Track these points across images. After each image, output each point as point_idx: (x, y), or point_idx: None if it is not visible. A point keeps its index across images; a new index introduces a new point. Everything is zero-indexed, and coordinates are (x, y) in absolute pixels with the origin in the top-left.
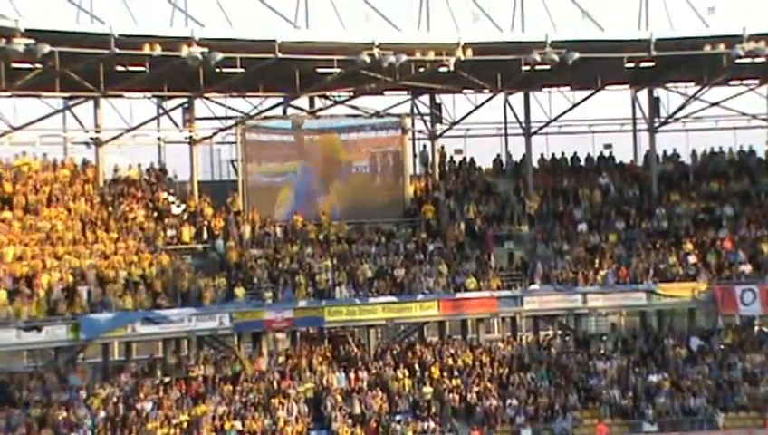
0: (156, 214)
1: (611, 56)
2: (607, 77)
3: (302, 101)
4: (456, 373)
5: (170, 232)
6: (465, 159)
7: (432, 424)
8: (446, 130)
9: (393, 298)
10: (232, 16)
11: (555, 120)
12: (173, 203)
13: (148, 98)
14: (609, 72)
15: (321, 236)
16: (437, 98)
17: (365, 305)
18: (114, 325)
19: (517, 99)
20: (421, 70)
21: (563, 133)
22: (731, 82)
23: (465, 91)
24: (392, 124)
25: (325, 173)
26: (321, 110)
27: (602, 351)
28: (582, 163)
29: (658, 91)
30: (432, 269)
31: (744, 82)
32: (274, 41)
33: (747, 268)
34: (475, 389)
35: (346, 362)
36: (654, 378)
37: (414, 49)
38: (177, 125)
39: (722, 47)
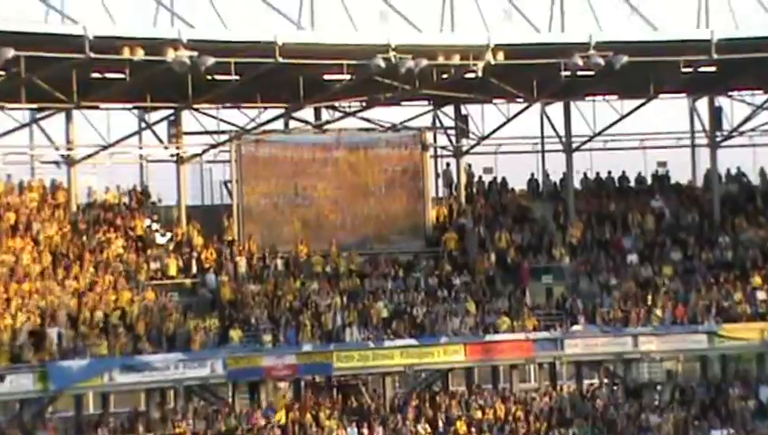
0: (137, 244)
1: (666, 60)
2: (661, 84)
3: (307, 113)
4: (485, 429)
5: (154, 265)
6: (495, 179)
7: None
8: (473, 147)
9: (412, 341)
10: (225, 15)
11: (600, 133)
12: (157, 231)
13: (129, 110)
14: (663, 79)
15: (328, 269)
16: (463, 109)
17: (380, 350)
18: (89, 374)
19: (556, 110)
20: (444, 76)
21: (610, 149)
22: None
23: (495, 100)
24: (411, 139)
25: (333, 196)
26: (328, 123)
27: (656, 402)
28: (632, 184)
29: (721, 101)
30: (458, 307)
31: None
32: (274, 43)
33: None
34: None
35: (358, 415)
36: (717, 434)
37: (436, 52)
38: (161, 141)
39: None
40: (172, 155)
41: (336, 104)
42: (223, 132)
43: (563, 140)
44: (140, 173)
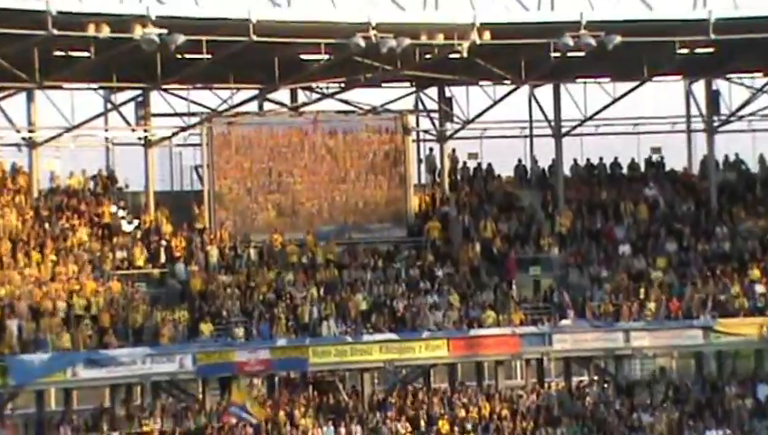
0: (102, 232)
1: (661, 40)
2: (655, 66)
3: (283, 95)
4: (469, 428)
5: (120, 254)
6: (480, 165)
7: None
8: (457, 131)
9: (393, 336)
10: None
11: (591, 118)
12: (123, 219)
13: (94, 90)
14: (657, 60)
15: (304, 260)
16: (447, 91)
17: (358, 344)
18: (51, 369)
19: (545, 92)
20: (428, 57)
21: (601, 134)
22: None
23: (481, 82)
24: (392, 123)
25: (309, 182)
26: (305, 105)
27: (649, 401)
28: (625, 171)
29: (718, 84)
30: (441, 300)
31: None
32: (248, 20)
33: None
34: None
35: (335, 413)
36: (713, 434)
37: (419, 31)
38: (128, 123)
39: None
40: (140, 138)
41: (313, 85)
42: (193, 114)
43: (552, 124)
44: (106, 157)
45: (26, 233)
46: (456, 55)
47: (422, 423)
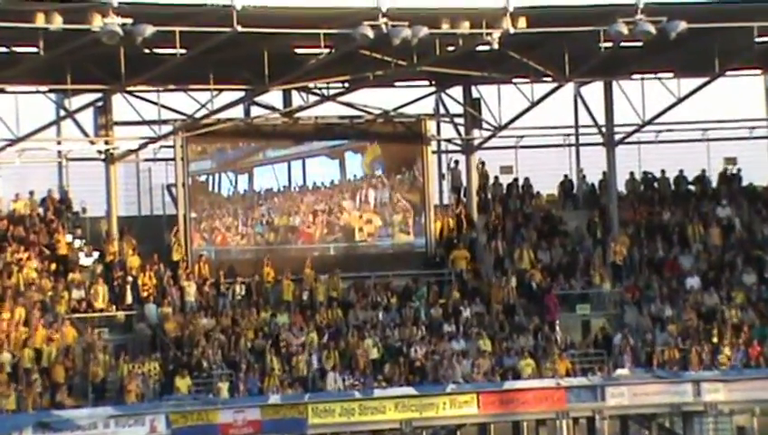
0: (56, 267)
1: (735, 26)
2: (729, 58)
3: (274, 97)
4: None
5: (77, 293)
6: (516, 181)
7: None
8: (487, 139)
9: (411, 390)
10: None
11: (651, 122)
12: (81, 250)
13: (44, 93)
14: (731, 51)
15: (303, 297)
16: (475, 91)
17: (368, 401)
18: None
19: (594, 92)
20: (450, 49)
21: (663, 142)
22: None
23: (515, 81)
24: (408, 130)
25: (308, 203)
26: (301, 109)
27: None
28: (692, 187)
29: None
30: (469, 346)
31: None
32: (231, 6)
33: None
34: None
35: None
36: None
37: (439, 18)
38: (86, 134)
39: None
40: (100, 152)
41: (311, 86)
42: (165, 123)
43: (604, 130)
44: (59, 175)
45: None
46: (485, 48)
47: None
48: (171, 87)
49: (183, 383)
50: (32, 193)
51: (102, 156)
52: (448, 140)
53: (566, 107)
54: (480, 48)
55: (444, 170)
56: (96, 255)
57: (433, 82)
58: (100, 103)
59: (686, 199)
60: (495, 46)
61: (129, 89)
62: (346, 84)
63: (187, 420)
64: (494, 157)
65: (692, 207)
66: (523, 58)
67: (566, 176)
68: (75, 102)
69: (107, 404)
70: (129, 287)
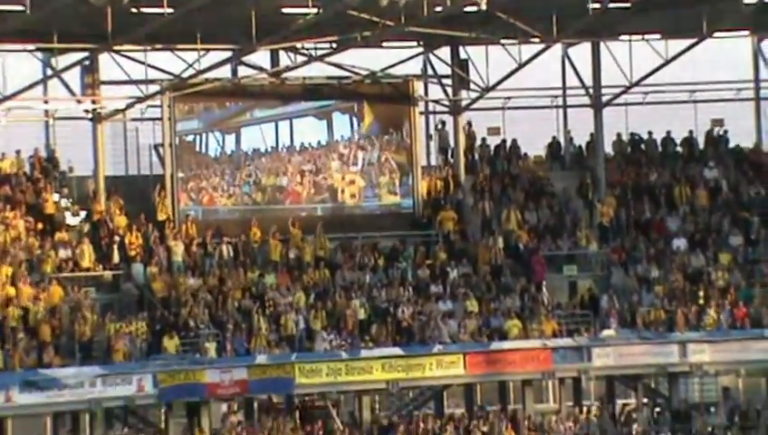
0: (42, 226)
1: None
2: (716, 19)
3: (261, 57)
4: None
5: (64, 253)
6: (503, 142)
7: None
8: (475, 100)
9: (397, 350)
10: None
11: (638, 83)
12: (68, 209)
13: (30, 52)
14: (719, 13)
15: (290, 257)
16: (462, 52)
17: (355, 362)
18: None
19: (581, 53)
20: (438, 10)
21: (650, 104)
22: None
23: (503, 41)
24: (395, 91)
25: (295, 164)
26: (288, 69)
27: (710, 428)
28: (679, 149)
29: None
30: (455, 307)
31: None
32: None
33: None
34: None
35: None
36: None
37: None
38: (73, 93)
39: None
40: (87, 111)
41: (298, 46)
42: (152, 82)
43: (591, 92)
44: (46, 134)
45: None
46: (473, 8)
47: None
48: (158, 46)
49: (170, 343)
50: (18, 152)
51: (89, 115)
52: (436, 101)
53: (554, 68)
54: (468, 9)
55: (431, 131)
56: (83, 214)
57: (421, 43)
58: (86, 63)
59: (673, 161)
60: (483, 7)
61: (116, 48)
62: (334, 45)
63: (173, 380)
64: (482, 118)
65: (679, 168)
66: (510, 19)
67: (554, 137)
68: (62, 61)
69: (94, 364)
70: (115, 247)
